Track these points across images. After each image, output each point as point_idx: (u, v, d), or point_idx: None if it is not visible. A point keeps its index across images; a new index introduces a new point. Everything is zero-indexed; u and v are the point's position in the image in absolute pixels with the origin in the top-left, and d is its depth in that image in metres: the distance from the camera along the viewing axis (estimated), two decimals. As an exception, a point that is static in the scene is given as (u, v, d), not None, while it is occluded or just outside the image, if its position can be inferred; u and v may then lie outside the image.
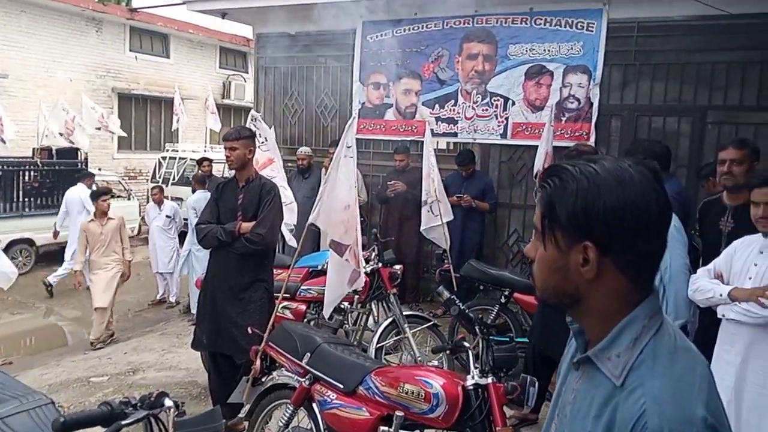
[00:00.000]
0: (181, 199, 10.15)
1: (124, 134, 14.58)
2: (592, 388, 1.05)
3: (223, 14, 7.89)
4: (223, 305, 3.79)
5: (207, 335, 3.88)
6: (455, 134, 7.00)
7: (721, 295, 2.82)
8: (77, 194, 8.72)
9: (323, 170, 6.84)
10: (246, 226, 3.72)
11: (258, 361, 3.39)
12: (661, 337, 1.02)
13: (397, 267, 4.91)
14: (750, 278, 2.78)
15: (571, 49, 6.26)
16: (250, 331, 3.52)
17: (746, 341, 2.76)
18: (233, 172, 3.89)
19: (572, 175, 1.03)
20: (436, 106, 7.09)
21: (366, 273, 4.72)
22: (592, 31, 6.14)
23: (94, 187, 8.23)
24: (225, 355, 3.88)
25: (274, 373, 3.36)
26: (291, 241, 5.42)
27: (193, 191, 7.39)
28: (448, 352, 2.98)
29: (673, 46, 5.91)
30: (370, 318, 5.20)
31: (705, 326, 3.33)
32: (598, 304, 1.05)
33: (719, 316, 2.90)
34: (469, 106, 6.88)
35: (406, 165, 6.80)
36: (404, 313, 4.70)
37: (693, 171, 5.66)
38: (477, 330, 2.69)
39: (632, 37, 6.03)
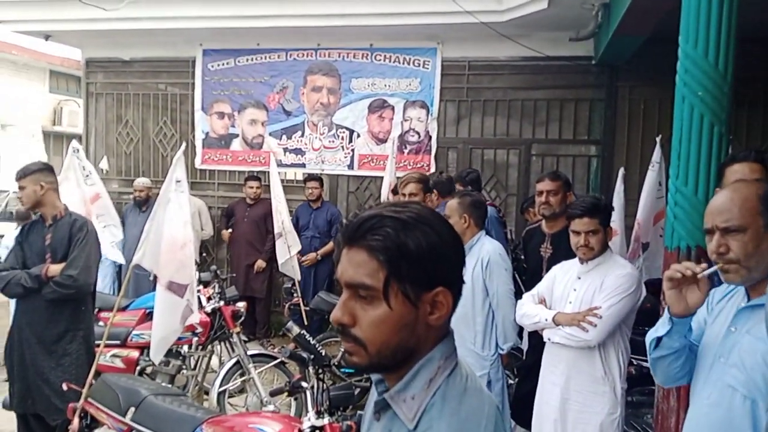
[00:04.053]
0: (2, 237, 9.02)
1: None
2: None
3: (47, 36, 7.24)
4: (33, 360, 3.36)
5: (16, 395, 3.41)
6: (303, 165, 6.97)
7: (546, 320, 2.94)
8: None
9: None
10: (54, 268, 3.34)
11: (76, 420, 3.05)
12: (453, 379, 1.02)
13: (241, 304, 4.70)
14: (570, 302, 2.93)
15: (410, 84, 6.53)
16: (65, 387, 3.14)
17: (568, 363, 2.91)
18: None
19: (403, 224, 0.98)
20: (284, 136, 7.03)
21: (207, 312, 4.50)
22: (428, 68, 6.46)
23: None
24: (38, 415, 3.43)
25: (95, 432, 3.04)
26: None
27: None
28: (286, 393, 2.87)
29: (500, 84, 6.38)
30: (214, 359, 4.92)
31: (534, 347, 3.55)
32: (426, 350, 1.02)
33: (545, 339, 3.02)
34: (316, 138, 6.90)
35: (258, 195, 6.64)
36: (249, 352, 4.50)
37: (521, 198, 6.12)
38: (311, 370, 2.62)
39: (464, 75, 6.42)
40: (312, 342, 2.90)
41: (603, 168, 6.13)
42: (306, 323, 5.41)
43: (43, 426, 3.44)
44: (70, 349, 3.39)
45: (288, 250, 5.77)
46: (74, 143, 4.76)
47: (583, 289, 2.92)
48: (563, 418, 2.93)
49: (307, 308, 5.51)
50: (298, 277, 5.82)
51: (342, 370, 4.75)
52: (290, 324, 3.18)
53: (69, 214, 3.51)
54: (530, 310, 3.06)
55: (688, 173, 2.57)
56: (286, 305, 6.00)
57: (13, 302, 5.05)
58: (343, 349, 4.20)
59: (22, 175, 3.42)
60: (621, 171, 4.88)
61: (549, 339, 2.99)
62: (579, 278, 2.96)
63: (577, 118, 6.23)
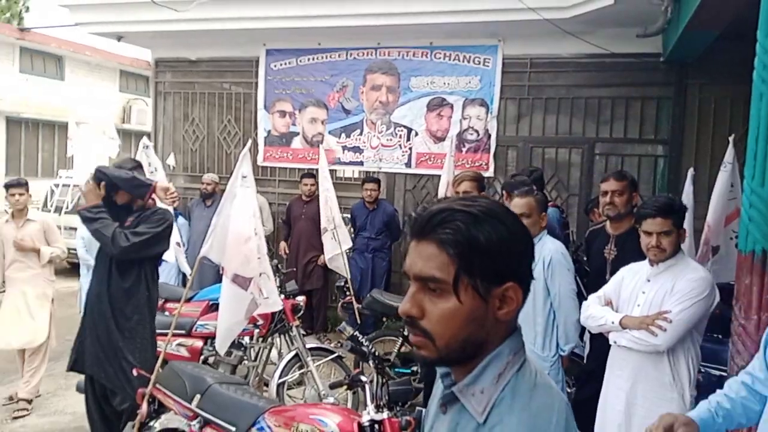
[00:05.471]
0: (76, 230, 9.48)
1: None
2: (458, 428, 1.04)
3: (119, 37, 7.57)
4: (108, 335, 3.48)
5: (88, 357, 3.54)
6: (361, 163, 7.04)
7: (612, 323, 2.85)
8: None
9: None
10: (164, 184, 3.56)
11: (144, 405, 3.18)
12: (522, 374, 1.01)
13: (300, 298, 4.79)
14: (639, 305, 2.84)
15: (470, 83, 6.49)
16: (135, 373, 3.28)
17: (635, 367, 2.82)
18: None
19: (473, 218, 0.98)
20: (343, 135, 7.11)
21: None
22: (488, 66, 6.40)
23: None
24: (106, 400, 3.59)
25: (162, 417, 3.15)
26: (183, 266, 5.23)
27: None
28: (345, 386, 2.92)
29: (562, 82, 6.26)
30: (273, 351, 5.03)
31: (596, 350, 3.46)
32: (494, 345, 1.02)
33: (611, 342, 2.94)
34: (374, 136, 6.95)
35: (313, 192, 6.74)
36: (308, 345, 4.58)
37: (583, 199, 5.98)
38: (371, 364, 2.65)
39: (526, 72, 6.34)
40: (365, 344, 2.91)
41: (670, 168, 5.92)
42: (359, 321, 5.44)
43: (113, 409, 3.59)
44: (137, 332, 3.52)
45: (339, 245, 5.81)
46: (145, 140, 4.96)
47: (652, 292, 2.81)
48: (628, 423, 2.84)
49: (360, 307, 5.55)
50: (345, 274, 5.86)
51: (395, 370, 4.77)
52: (343, 325, 3.23)
53: (157, 208, 3.66)
54: (596, 312, 2.97)
55: (765, 174, 2.45)
56: (339, 303, 6.05)
57: (84, 290, 5.27)
58: (397, 349, 4.20)
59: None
60: (690, 171, 4.69)
61: (615, 342, 2.90)
62: (648, 281, 2.86)
63: (643, 117, 6.04)
